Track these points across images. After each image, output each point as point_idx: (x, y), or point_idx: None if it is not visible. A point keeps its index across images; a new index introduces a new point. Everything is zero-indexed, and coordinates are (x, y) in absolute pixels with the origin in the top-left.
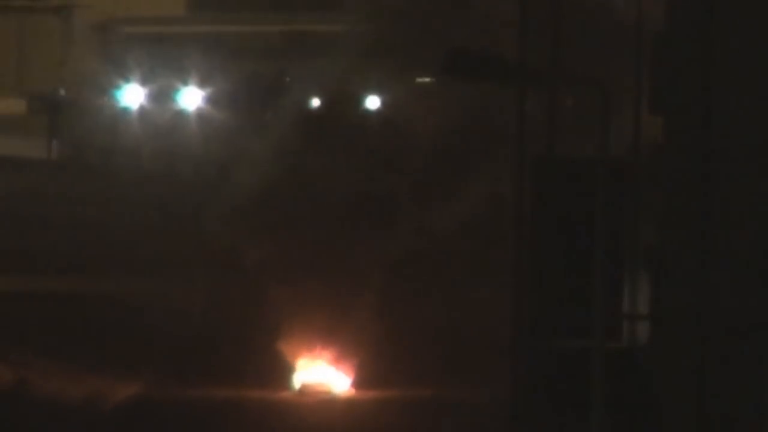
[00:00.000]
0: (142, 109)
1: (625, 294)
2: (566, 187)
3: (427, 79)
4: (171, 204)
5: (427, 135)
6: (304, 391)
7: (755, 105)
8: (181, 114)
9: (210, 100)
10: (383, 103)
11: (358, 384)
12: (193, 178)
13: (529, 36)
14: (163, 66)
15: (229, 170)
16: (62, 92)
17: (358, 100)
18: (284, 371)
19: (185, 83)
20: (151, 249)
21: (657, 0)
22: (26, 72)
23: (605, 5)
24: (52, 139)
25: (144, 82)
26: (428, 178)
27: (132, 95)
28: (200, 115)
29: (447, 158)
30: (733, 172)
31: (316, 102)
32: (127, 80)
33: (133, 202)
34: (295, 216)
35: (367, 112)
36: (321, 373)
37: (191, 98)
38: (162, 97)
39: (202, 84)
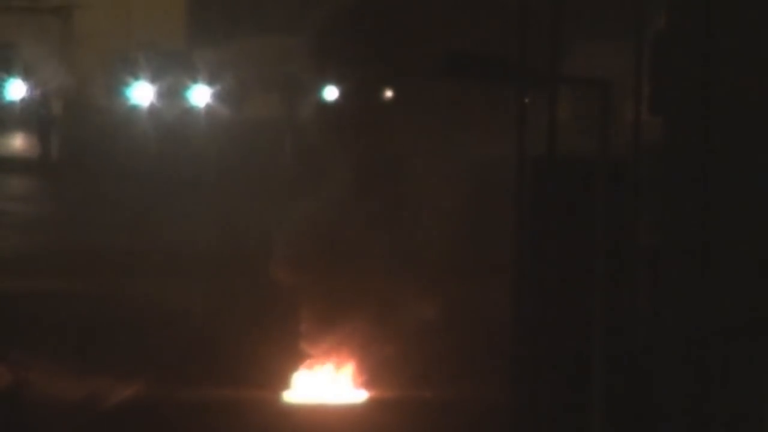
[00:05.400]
0: (152, 107)
1: (625, 294)
2: (566, 187)
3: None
4: (172, 204)
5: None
6: (304, 392)
7: (755, 105)
8: (190, 111)
9: (219, 96)
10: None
11: (359, 385)
12: (197, 178)
13: (529, 36)
14: (173, 63)
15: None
16: (62, 93)
17: (377, 92)
18: (284, 372)
19: (195, 80)
20: (152, 249)
21: (657, 0)
22: (26, 72)
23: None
24: (50, 140)
25: (153, 79)
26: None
27: (142, 93)
28: (209, 112)
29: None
30: (733, 172)
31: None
32: (136, 78)
33: (133, 202)
34: (298, 215)
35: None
36: (321, 374)
37: (201, 95)
38: (172, 94)
39: (211, 81)
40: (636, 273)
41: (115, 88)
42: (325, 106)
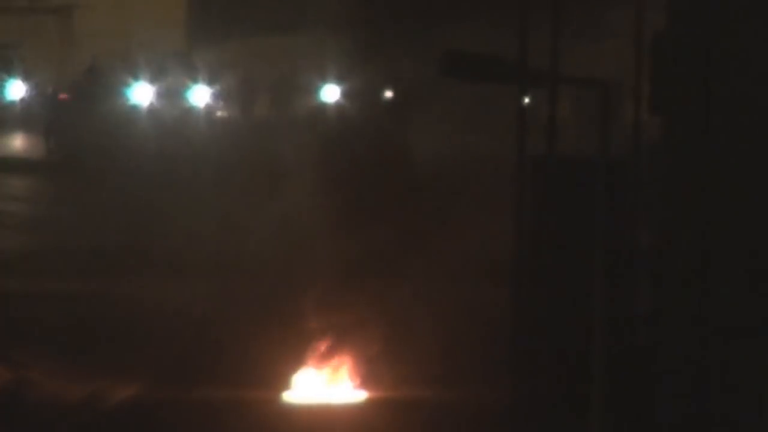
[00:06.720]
0: (152, 106)
1: (625, 294)
2: (566, 187)
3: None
4: (172, 204)
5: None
6: (304, 392)
7: (755, 105)
8: (190, 111)
9: (219, 96)
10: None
11: (358, 385)
12: (197, 177)
13: (529, 36)
14: (173, 63)
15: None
16: (62, 92)
17: (377, 92)
18: (284, 372)
19: (195, 80)
20: (152, 249)
21: (657, 0)
22: (26, 72)
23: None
24: (49, 140)
25: (153, 79)
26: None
27: (142, 93)
28: (209, 112)
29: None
30: (733, 172)
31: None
32: (136, 78)
33: (133, 202)
34: (300, 213)
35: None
36: (321, 374)
37: (201, 95)
38: (172, 94)
39: (211, 81)
40: (636, 273)
41: (115, 88)
42: (325, 106)
